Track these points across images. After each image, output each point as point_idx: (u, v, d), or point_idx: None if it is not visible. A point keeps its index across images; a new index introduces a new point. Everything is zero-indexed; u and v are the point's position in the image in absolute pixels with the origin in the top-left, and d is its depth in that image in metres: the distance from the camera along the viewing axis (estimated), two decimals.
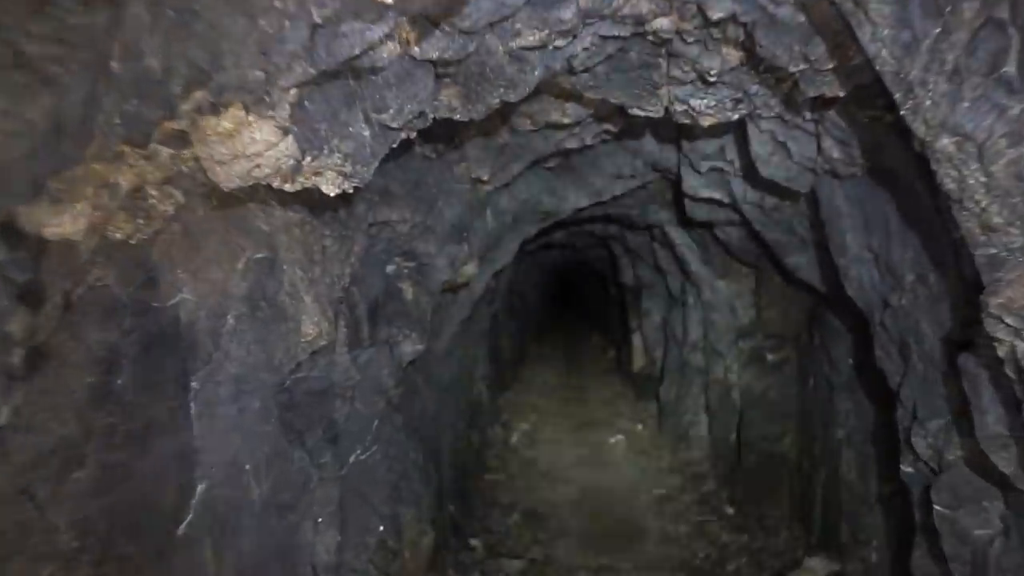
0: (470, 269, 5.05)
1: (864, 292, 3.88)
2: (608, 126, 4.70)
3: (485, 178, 4.60)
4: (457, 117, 2.94)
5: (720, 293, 7.67)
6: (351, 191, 2.37)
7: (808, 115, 3.52)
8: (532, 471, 8.30)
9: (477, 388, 9.34)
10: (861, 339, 4.97)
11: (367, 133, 2.35)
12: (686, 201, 5.93)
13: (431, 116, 2.74)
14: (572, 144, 4.89)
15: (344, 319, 3.65)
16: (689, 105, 3.70)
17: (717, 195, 5.34)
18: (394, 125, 2.49)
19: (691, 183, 5.34)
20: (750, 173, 4.65)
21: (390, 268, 4.27)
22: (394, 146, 2.57)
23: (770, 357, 6.97)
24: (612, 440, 9.81)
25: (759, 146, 3.94)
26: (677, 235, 7.76)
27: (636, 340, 12.21)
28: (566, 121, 4.20)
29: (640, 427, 10.19)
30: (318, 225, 3.07)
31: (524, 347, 15.96)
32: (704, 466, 8.06)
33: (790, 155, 3.89)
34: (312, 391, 3.31)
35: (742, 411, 7.23)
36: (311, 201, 2.99)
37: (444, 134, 4.05)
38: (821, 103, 3.40)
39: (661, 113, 3.84)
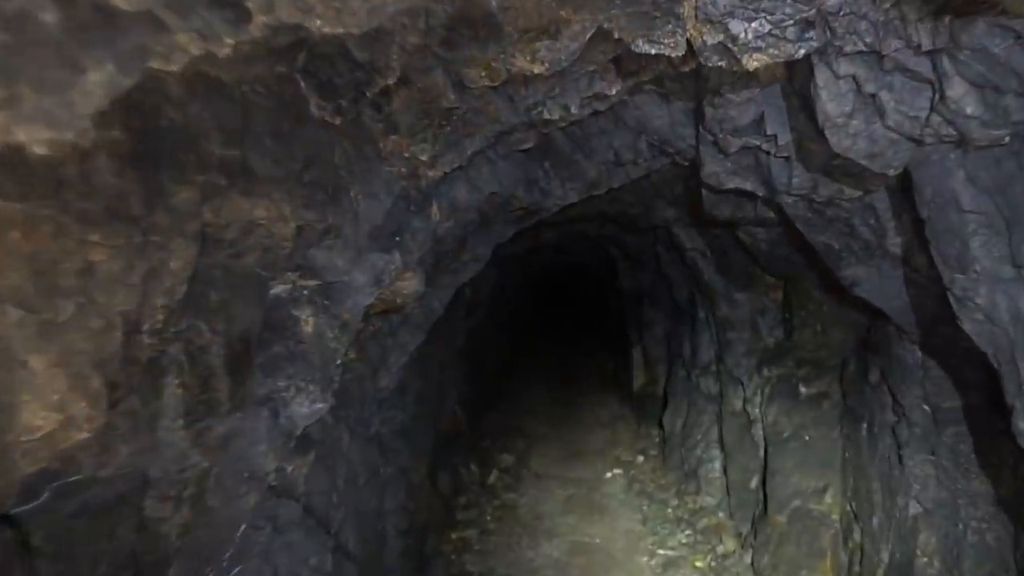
0: (410, 286, 3.64)
1: (996, 327, 2.47)
2: (601, 86, 3.29)
3: (424, 157, 3.19)
4: None
5: (739, 308, 6.27)
6: None
7: (926, 41, 2.11)
8: (512, 521, 6.88)
9: (450, 418, 7.92)
10: (959, 384, 3.56)
11: None
12: (704, 194, 4.53)
13: None
14: (552, 114, 3.47)
15: (175, 375, 2.24)
16: (728, 33, 2.29)
17: (748, 185, 3.93)
18: None
19: (713, 169, 3.93)
20: (805, 150, 3.25)
21: (278, 290, 2.87)
22: None
23: (803, 389, 5.56)
24: (609, 475, 8.40)
25: (833, 101, 2.53)
26: (688, 238, 6.35)
27: (636, 355, 10.80)
28: (537, 70, 2.79)
29: (641, 459, 8.77)
30: (67, 224, 1.67)
31: (513, 361, 14.56)
32: (719, 516, 6.64)
33: (882, 114, 2.48)
34: (88, 510, 1.91)
35: (767, 453, 5.82)
36: (40, 179, 1.58)
37: (353, 84, 2.64)
38: (954, 14, 2.00)
39: (681, 50, 2.43)
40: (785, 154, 3.47)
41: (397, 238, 3.35)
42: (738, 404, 6.62)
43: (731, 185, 3.96)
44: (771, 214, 4.43)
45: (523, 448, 9.33)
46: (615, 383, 12.91)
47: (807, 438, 5.44)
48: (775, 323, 6.02)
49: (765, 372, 6.05)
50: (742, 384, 6.47)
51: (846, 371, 5.08)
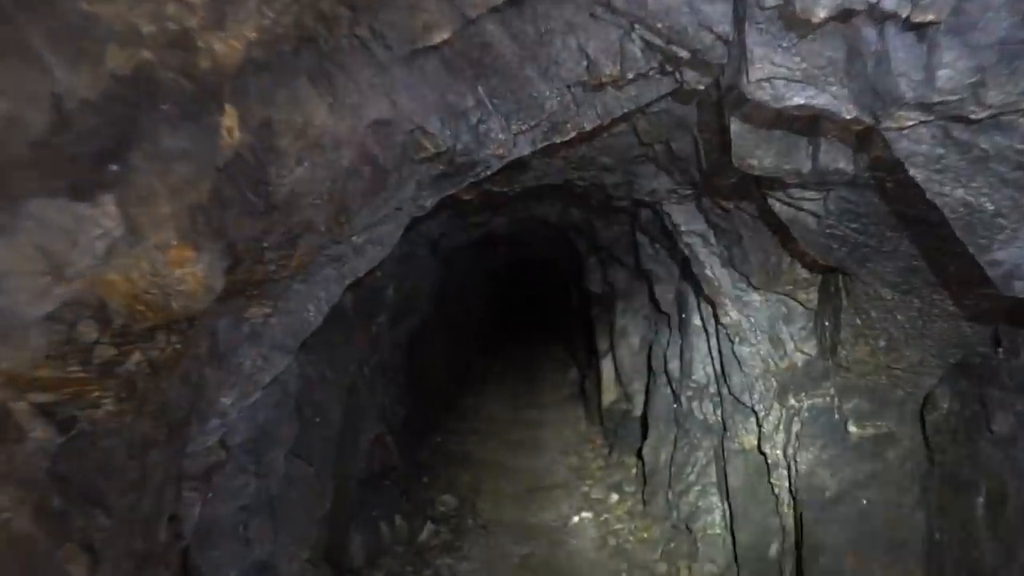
0: (194, 276, 1.81)
1: None
2: None
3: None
4: None
5: (755, 313, 4.55)
6: None
7: None
8: None
9: (375, 449, 6.08)
10: None
11: None
12: (735, 131, 2.76)
13: None
14: None
15: None
16: None
17: (829, 98, 2.17)
18: None
19: (768, 68, 2.15)
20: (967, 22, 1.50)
21: None
22: None
23: (854, 429, 3.86)
24: (576, 519, 6.64)
25: None
26: (684, 217, 4.61)
27: (606, 367, 9.06)
28: None
29: (615, 498, 7.02)
30: None
31: (465, 372, 12.73)
32: None
33: None
34: None
35: (802, 518, 4.11)
36: None
37: None
38: None
39: None
40: (930, 17, 1.73)
41: (114, 166, 1.53)
42: (749, 440, 4.91)
43: (798, 100, 2.19)
44: (842, 164, 2.69)
45: (470, 484, 7.50)
46: (582, 396, 11.17)
47: (864, 502, 3.73)
48: (806, 334, 4.31)
49: (792, 400, 4.33)
50: (756, 414, 4.76)
51: (932, 408, 3.38)
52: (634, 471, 7.53)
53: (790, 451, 4.32)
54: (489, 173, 3.40)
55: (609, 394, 9.08)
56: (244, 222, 2.02)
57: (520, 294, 19.38)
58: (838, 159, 2.69)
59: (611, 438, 8.66)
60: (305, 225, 2.53)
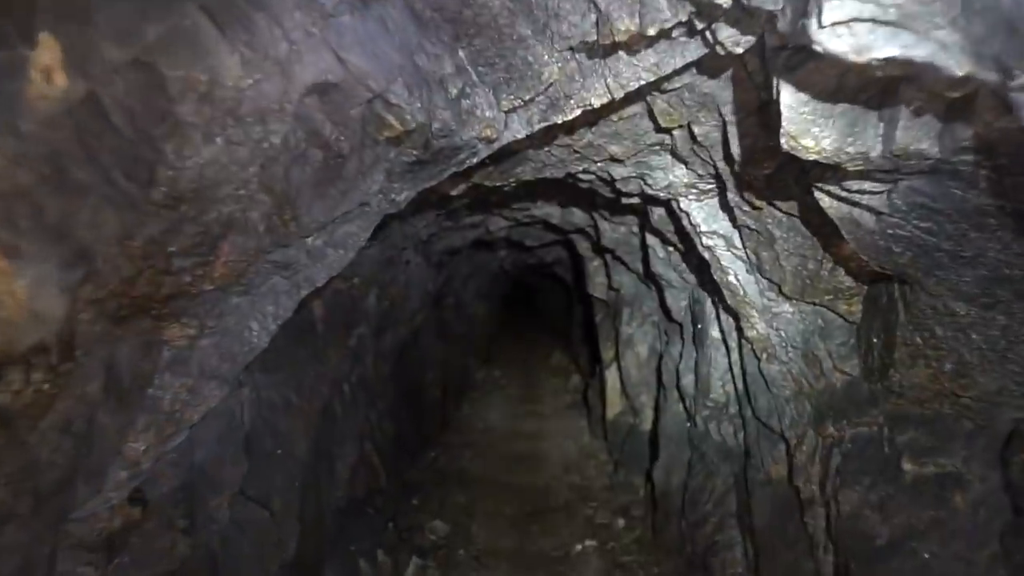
0: (19, 298, 1.22)
1: None
2: None
3: None
4: None
5: (786, 326, 3.94)
6: None
7: None
8: None
9: (358, 473, 5.48)
10: None
11: None
12: (787, 103, 2.15)
13: None
14: None
15: None
16: None
17: (929, 48, 1.57)
18: None
19: (847, 6, 1.56)
20: None
21: None
22: None
23: (909, 467, 3.25)
24: (579, 547, 6.03)
25: None
26: (704, 216, 4.00)
27: (611, 377, 8.44)
28: None
29: (621, 523, 6.41)
30: None
31: (466, 376, 12.14)
32: None
33: None
34: None
35: (847, 571, 3.49)
36: None
37: None
38: None
39: None
40: None
41: None
42: (777, 471, 4.29)
43: (888, 51, 1.58)
44: (925, 144, 2.08)
45: (464, 507, 6.89)
46: (584, 407, 10.56)
47: (925, 556, 3.12)
48: (847, 351, 3.70)
49: (831, 428, 3.72)
50: (786, 441, 4.15)
51: (1019, 448, 2.77)
52: (642, 492, 6.92)
53: (829, 487, 3.71)
54: (476, 161, 2.80)
55: (614, 406, 8.47)
56: (112, 218, 1.41)
57: (520, 299, 18.80)
58: (920, 138, 2.08)
59: (616, 453, 8.05)
60: (228, 223, 1.93)
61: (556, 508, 6.94)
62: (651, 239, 5.40)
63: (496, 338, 16.32)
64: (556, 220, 6.69)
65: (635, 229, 5.93)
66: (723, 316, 4.65)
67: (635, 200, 4.51)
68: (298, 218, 2.26)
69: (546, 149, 3.60)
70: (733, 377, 4.75)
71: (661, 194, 4.05)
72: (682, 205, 4.03)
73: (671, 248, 5.21)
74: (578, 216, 6.49)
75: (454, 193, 3.88)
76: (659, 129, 3.39)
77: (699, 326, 5.22)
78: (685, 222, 4.14)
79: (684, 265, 5.32)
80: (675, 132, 3.40)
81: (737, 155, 3.10)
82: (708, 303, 4.99)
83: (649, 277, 6.22)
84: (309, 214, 2.30)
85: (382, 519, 5.71)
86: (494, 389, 12.98)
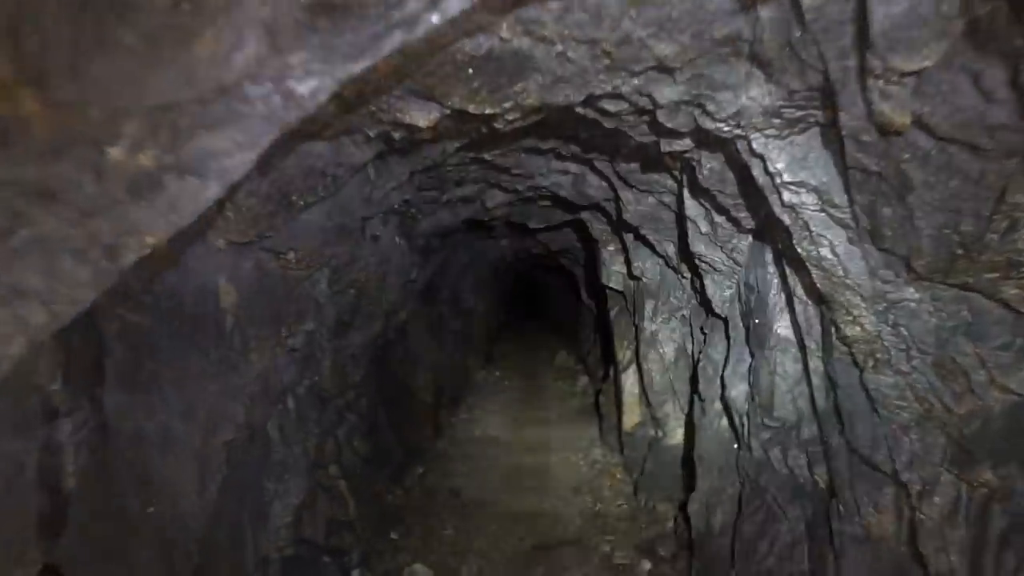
0: None
1: None
2: None
3: None
4: None
5: (909, 320, 2.65)
6: None
7: None
8: None
9: (315, 509, 4.23)
10: None
11: None
12: None
13: None
14: None
15: None
16: None
17: None
18: None
19: None
20: None
21: None
22: None
23: None
24: None
25: None
26: (790, 160, 2.72)
27: (628, 381, 7.18)
28: None
29: (647, 566, 5.14)
30: None
31: (464, 378, 10.90)
32: None
33: None
34: None
35: None
36: None
37: None
38: None
39: None
40: None
41: None
42: (883, 525, 3.02)
43: None
44: None
45: (453, 541, 5.64)
46: (595, 412, 9.30)
47: None
48: (1012, 359, 2.42)
49: (988, 474, 2.45)
50: (902, 486, 2.87)
51: None
52: (670, 525, 5.66)
53: (988, 564, 2.43)
54: (430, 28, 1.51)
55: (632, 415, 7.21)
56: None
57: (523, 293, 17.54)
58: None
59: (636, 472, 6.79)
60: None
61: (565, 542, 5.67)
62: (692, 208, 4.12)
63: (497, 336, 15.08)
64: (566, 192, 5.42)
65: (666, 199, 4.66)
66: (800, 307, 3.36)
67: (681, 144, 3.24)
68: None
69: (559, 49, 2.33)
70: (811, 390, 3.47)
71: (723, 129, 2.76)
72: (755, 145, 2.75)
73: (720, 219, 3.93)
74: (594, 186, 5.21)
75: (425, 124, 2.62)
76: (740, 7, 2.12)
77: (756, 321, 3.94)
78: (757, 171, 2.86)
79: (736, 242, 4.04)
80: (765, 10, 2.12)
81: (884, 29, 1.82)
82: (772, 291, 3.71)
83: (685, 260, 4.96)
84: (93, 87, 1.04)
85: (344, 566, 4.45)
86: (495, 392, 11.75)
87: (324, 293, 3.73)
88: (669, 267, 5.65)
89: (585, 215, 6.57)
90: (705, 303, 4.83)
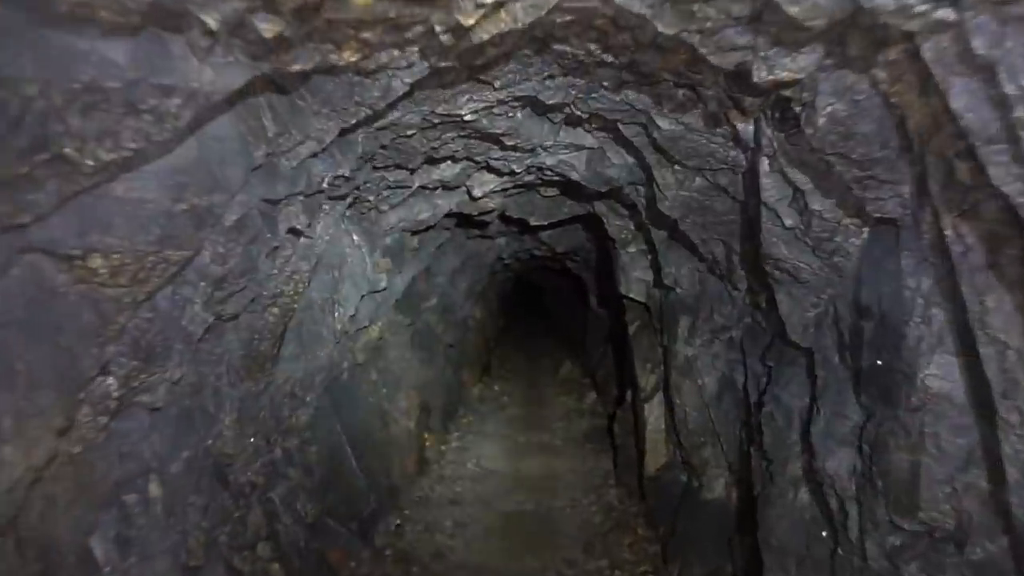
0: None
1: None
2: None
3: None
4: None
5: None
6: None
7: None
8: None
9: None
10: None
11: None
12: None
13: None
14: None
15: None
16: None
17: None
18: None
19: None
20: None
21: None
22: None
23: None
24: None
25: None
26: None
27: (653, 413, 5.78)
28: None
29: None
30: None
31: (457, 396, 9.50)
32: None
33: None
34: None
35: None
36: None
37: None
38: None
39: None
40: None
41: None
42: None
43: None
44: None
45: None
46: (608, 441, 7.90)
47: None
48: None
49: None
50: None
51: None
52: None
53: None
54: None
55: (656, 455, 5.81)
56: None
57: (523, 293, 16.14)
58: None
59: (664, 528, 5.38)
60: None
61: None
62: (773, 188, 2.70)
63: (495, 345, 13.69)
64: (579, 174, 4.02)
65: (724, 180, 3.25)
66: (992, 349, 1.95)
67: (795, 67, 1.83)
68: None
69: None
70: (1000, 487, 2.06)
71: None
72: (977, 40, 1.34)
73: (823, 205, 2.51)
74: (616, 164, 3.82)
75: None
76: None
77: (877, 363, 2.53)
78: (968, 97, 1.45)
79: (841, 240, 2.63)
80: None
81: None
82: (915, 318, 2.30)
83: (746, 265, 3.55)
84: None
85: None
86: (492, 410, 10.35)
87: (199, 319, 2.34)
88: (714, 274, 4.25)
89: (600, 207, 5.17)
90: (775, 325, 3.42)
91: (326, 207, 3.26)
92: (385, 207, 4.08)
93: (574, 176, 4.02)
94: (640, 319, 5.99)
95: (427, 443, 7.78)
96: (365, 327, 5.08)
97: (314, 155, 2.52)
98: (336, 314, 4.04)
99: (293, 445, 4.09)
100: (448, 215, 5.13)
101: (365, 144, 2.89)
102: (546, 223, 5.89)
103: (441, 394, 8.62)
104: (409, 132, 2.92)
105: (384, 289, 4.82)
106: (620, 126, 3.20)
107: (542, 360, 13.68)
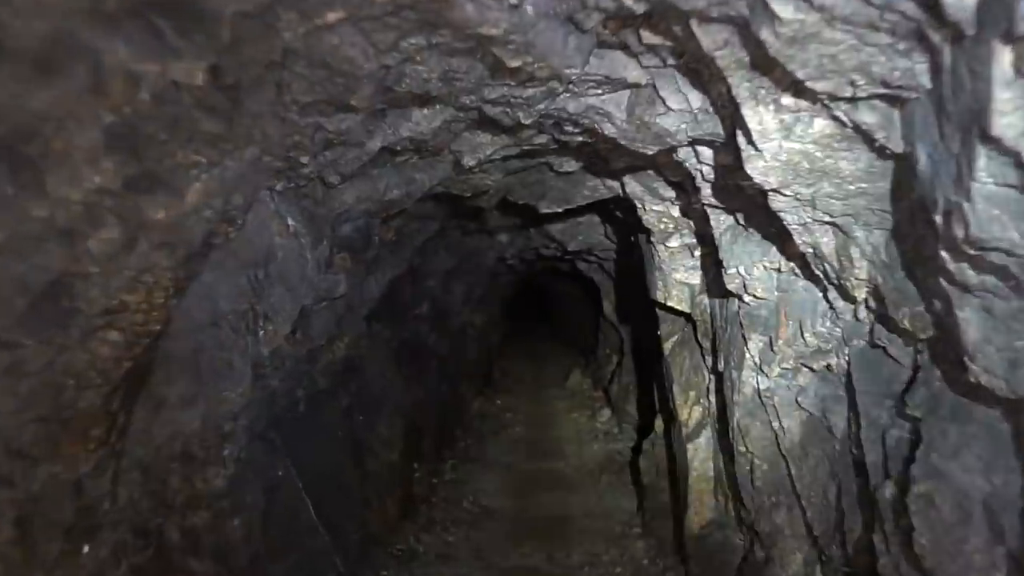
0: None
1: None
2: None
3: None
4: None
5: None
6: None
7: None
8: None
9: None
10: None
11: None
12: None
13: None
14: None
15: None
16: None
17: None
18: None
19: None
20: None
21: None
22: None
23: None
24: None
25: None
26: None
27: (699, 457, 4.48)
28: None
29: None
30: None
31: (454, 415, 8.19)
32: None
33: None
34: None
35: None
36: None
37: None
38: None
39: None
40: None
41: None
42: None
43: None
44: None
45: None
46: (629, 475, 6.60)
47: None
48: None
49: None
50: None
51: None
52: None
53: None
54: None
55: (702, 508, 4.47)
56: None
57: (528, 296, 14.81)
58: None
59: None
60: None
61: None
62: (1013, 104, 1.38)
63: (498, 354, 12.38)
64: (615, 127, 2.69)
65: (866, 120, 1.93)
66: None
67: None
68: None
69: None
70: None
71: None
72: None
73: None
74: (673, 111, 2.50)
75: None
76: None
77: None
78: None
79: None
80: None
81: None
82: None
83: (908, 264, 2.22)
84: None
85: None
86: (494, 430, 9.07)
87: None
88: (806, 276, 2.93)
89: (633, 187, 3.84)
90: (943, 358, 2.10)
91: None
92: (334, 178, 2.77)
93: (608, 130, 2.69)
94: (679, 334, 4.67)
95: (416, 474, 6.49)
96: (322, 345, 3.77)
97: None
98: (261, 333, 2.73)
99: (200, 522, 2.78)
100: (432, 197, 3.82)
101: (255, 44, 1.60)
102: (560, 210, 4.55)
103: (433, 415, 7.31)
104: (331, 18, 1.62)
105: (342, 296, 3.51)
106: (697, 30, 1.88)
107: (547, 365, 12.41)
